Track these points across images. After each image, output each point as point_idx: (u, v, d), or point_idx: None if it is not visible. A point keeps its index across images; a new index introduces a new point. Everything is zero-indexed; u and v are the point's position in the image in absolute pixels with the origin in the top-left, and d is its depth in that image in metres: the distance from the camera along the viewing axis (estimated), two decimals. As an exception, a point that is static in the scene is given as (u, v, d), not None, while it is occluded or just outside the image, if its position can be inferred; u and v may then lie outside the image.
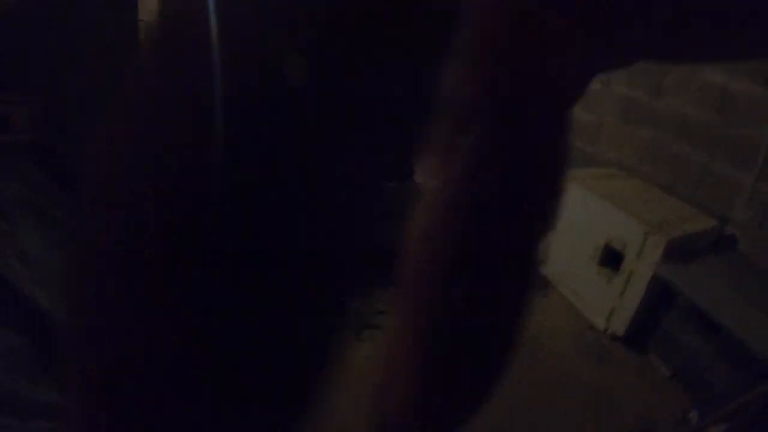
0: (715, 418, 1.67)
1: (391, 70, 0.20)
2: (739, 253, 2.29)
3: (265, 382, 0.21)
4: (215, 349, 0.19)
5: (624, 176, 2.80)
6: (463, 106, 0.20)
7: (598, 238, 2.46)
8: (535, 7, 0.18)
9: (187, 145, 0.18)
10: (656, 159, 2.75)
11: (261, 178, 0.19)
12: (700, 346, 1.95)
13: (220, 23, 0.18)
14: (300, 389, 0.22)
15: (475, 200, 0.20)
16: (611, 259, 2.40)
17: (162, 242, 0.18)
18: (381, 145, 0.22)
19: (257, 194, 0.19)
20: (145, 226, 0.18)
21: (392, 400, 0.22)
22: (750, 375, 1.68)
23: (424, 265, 0.21)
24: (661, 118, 2.70)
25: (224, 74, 0.18)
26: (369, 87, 0.20)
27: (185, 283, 0.18)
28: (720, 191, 2.43)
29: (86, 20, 2.21)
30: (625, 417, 2.02)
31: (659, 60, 0.23)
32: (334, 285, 0.22)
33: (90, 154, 0.19)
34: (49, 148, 2.08)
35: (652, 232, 2.16)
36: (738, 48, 0.21)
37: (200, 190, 0.18)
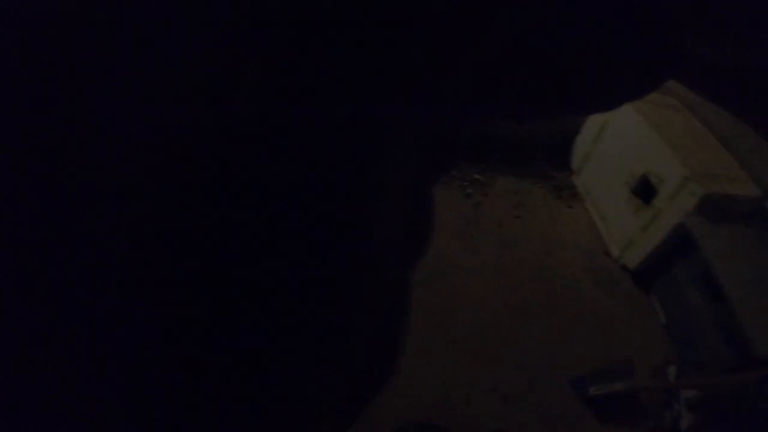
0: (690, 382, 1.77)
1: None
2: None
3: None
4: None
5: (682, 111, 2.58)
6: None
7: (638, 167, 2.36)
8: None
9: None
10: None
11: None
12: (701, 308, 1.98)
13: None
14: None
15: None
16: (644, 191, 2.33)
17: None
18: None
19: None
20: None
21: None
22: (736, 356, 1.73)
23: None
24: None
25: None
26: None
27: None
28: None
29: None
30: (611, 346, 2.13)
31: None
32: None
33: None
34: None
35: (693, 179, 2.06)
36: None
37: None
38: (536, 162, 2.87)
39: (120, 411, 0.21)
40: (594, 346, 2.13)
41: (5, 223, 0.17)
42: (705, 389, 1.75)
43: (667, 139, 2.22)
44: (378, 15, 0.17)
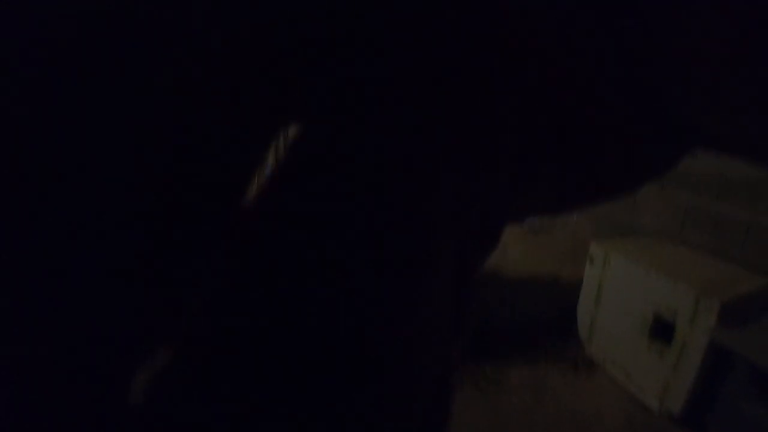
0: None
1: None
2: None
3: None
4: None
5: (666, 242, 2.66)
6: None
7: (646, 310, 2.29)
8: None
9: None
10: (698, 222, 2.62)
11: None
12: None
13: None
14: None
15: None
16: (661, 330, 2.21)
17: None
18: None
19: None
20: None
21: None
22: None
23: None
24: (699, 179, 2.61)
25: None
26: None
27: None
28: (769, 248, 2.27)
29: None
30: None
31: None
32: None
33: None
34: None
35: (704, 295, 2.00)
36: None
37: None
38: (544, 344, 2.75)
39: None
40: None
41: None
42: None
43: (665, 271, 2.22)
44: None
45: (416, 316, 0.20)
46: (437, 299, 0.21)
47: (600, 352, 2.58)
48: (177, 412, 0.18)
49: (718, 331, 1.92)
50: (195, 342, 0.18)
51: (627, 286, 2.41)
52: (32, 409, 0.17)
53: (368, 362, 0.19)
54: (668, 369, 2.13)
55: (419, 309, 0.20)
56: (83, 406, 0.18)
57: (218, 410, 0.18)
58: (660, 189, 2.79)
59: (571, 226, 3.35)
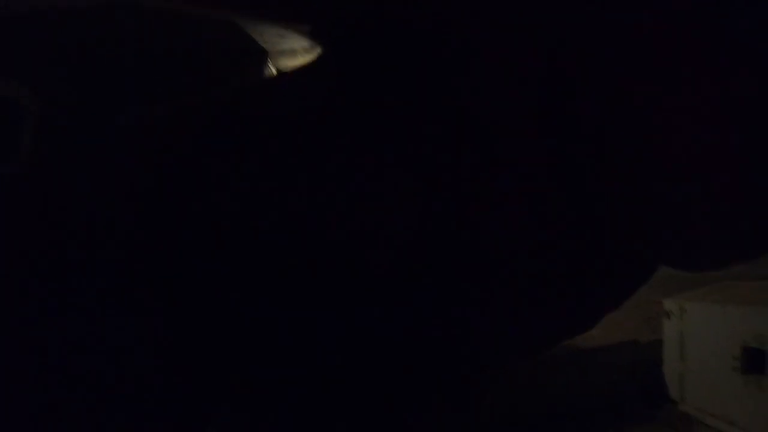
0: None
1: None
2: None
3: None
4: None
5: (735, 282, 2.60)
6: None
7: (732, 346, 2.19)
8: None
9: None
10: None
11: None
12: None
13: None
14: None
15: None
16: (753, 362, 2.10)
17: None
18: None
19: None
20: None
21: None
22: None
23: None
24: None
25: None
26: None
27: None
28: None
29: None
30: None
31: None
32: None
33: None
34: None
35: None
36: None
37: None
38: (635, 411, 2.59)
39: None
40: None
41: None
42: None
43: (743, 301, 2.19)
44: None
45: None
46: None
47: (695, 408, 2.40)
48: None
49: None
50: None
51: (708, 329, 2.34)
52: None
53: None
54: (770, 398, 1.99)
55: None
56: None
57: None
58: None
59: (639, 297, 3.28)
